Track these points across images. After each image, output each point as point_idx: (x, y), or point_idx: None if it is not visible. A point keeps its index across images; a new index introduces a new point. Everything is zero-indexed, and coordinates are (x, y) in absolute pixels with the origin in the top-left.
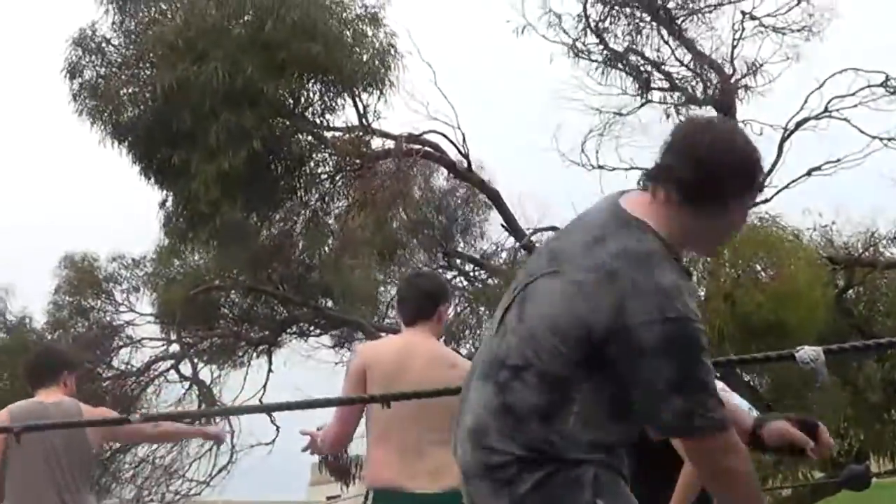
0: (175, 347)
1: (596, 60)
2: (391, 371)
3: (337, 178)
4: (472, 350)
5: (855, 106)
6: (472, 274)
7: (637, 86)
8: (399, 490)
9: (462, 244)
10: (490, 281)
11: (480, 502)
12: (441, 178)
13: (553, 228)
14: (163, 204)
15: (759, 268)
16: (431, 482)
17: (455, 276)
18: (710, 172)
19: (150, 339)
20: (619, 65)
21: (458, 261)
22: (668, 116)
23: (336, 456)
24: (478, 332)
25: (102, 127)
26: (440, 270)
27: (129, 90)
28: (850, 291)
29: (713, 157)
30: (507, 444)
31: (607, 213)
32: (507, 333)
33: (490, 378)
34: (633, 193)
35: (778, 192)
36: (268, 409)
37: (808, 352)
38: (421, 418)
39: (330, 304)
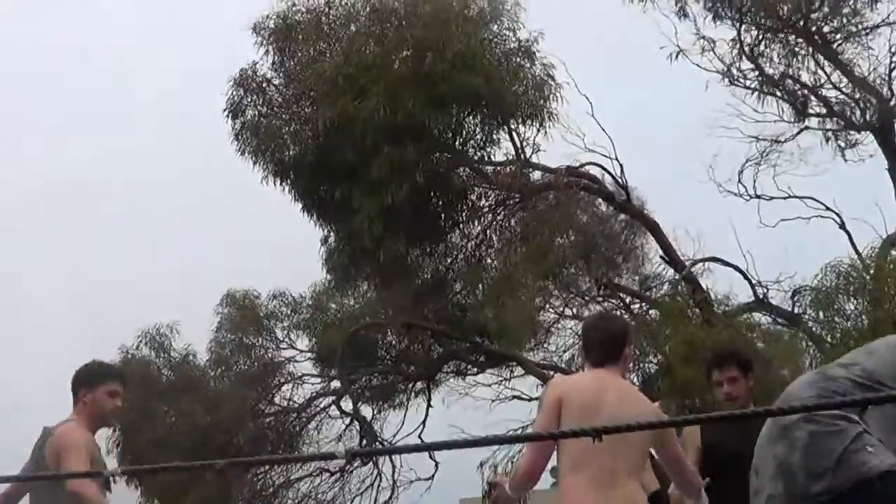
0: (335, 384)
1: (751, 87)
2: (589, 403)
3: (498, 211)
4: (635, 378)
5: None
6: (631, 306)
7: (794, 112)
8: None
9: (619, 276)
10: (651, 312)
11: None
12: (600, 210)
13: (713, 259)
14: (325, 240)
15: None
16: None
17: (616, 308)
18: None
19: (311, 375)
20: (775, 90)
21: (618, 292)
22: (826, 141)
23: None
24: (640, 364)
25: (265, 165)
26: (600, 299)
27: (291, 128)
28: None
29: None
30: None
31: None
32: None
33: None
34: None
35: None
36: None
37: None
38: (615, 449)
39: (487, 341)
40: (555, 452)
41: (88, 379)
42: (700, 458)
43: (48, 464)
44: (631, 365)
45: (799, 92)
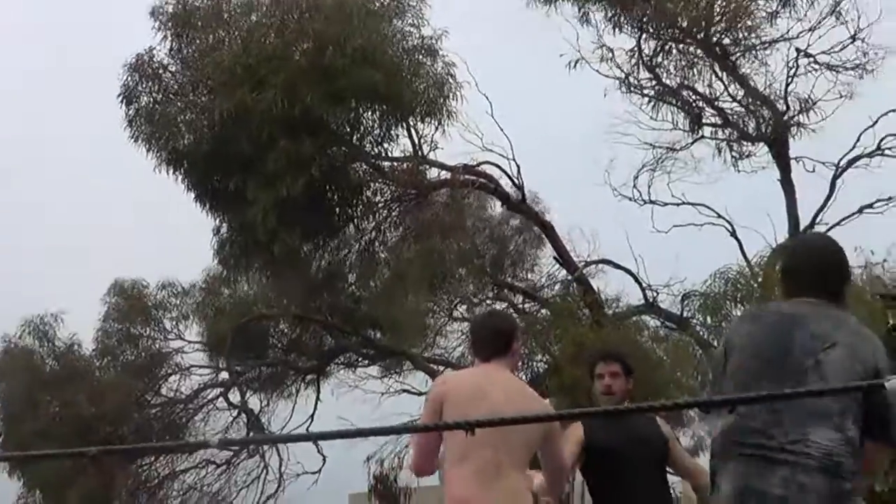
0: (224, 375)
1: (648, 95)
2: (471, 397)
3: (393, 207)
4: (523, 376)
5: None
6: (521, 306)
7: (689, 121)
8: None
9: (512, 276)
10: (542, 312)
11: None
12: (495, 210)
13: (605, 262)
14: (217, 231)
15: None
16: (507, 502)
17: (505, 307)
18: None
19: (199, 366)
20: (672, 100)
21: (506, 291)
22: (719, 152)
23: (385, 484)
24: (529, 363)
25: (158, 153)
26: (489, 301)
27: (186, 116)
28: None
29: None
30: None
31: None
32: None
33: None
34: None
35: (829, 230)
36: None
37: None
38: (499, 442)
39: (378, 335)
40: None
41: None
42: (579, 452)
43: None
44: (520, 363)
45: (695, 102)
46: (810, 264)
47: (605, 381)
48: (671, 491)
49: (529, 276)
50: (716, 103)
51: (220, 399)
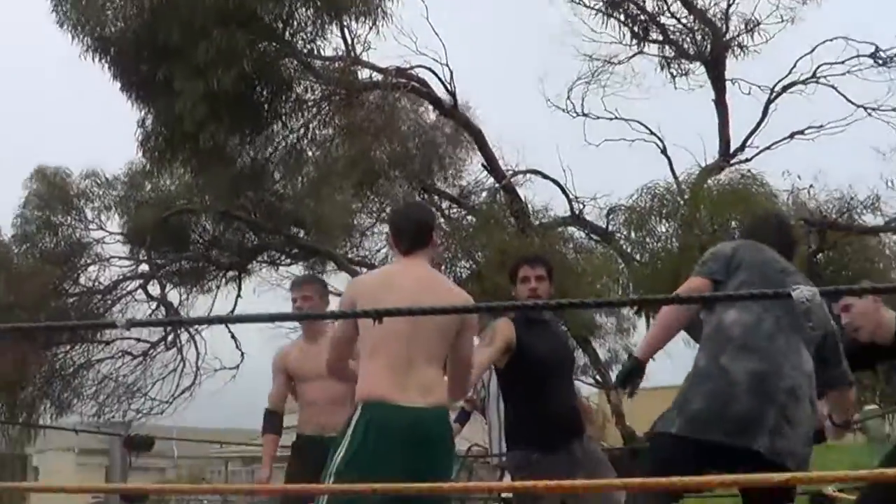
0: (144, 268)
1: (593, 7)
2: (381, 287)
3: (322, 105)
4: None
5: (843, 74)
6: (448, 211)
7: (632, 36)
8: (389, 403)
9: (442, 181)
10: (467, 218)
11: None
12: (428, 115)
13: (533, 171)
14: (142, 122)
15: (733, 224)
16: (421, 396)
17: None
18: None
19: (119, 258)
20: (617, 13)
21: (436, 197)
22: (661, 69)
23: None
24: (452, 268)
25: (84, 39)
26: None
27: (115, 2)
28: (821, 255)
29: None
30: None
31: None
32: None
33: None
34: None
35: (759, 153)
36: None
37: (804, 291)
38: (412, 335)
39: (303, 234)
40: None
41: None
42: (506, 350)
43: None
44: (443, 267)
45: (639, 17)
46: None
47: (530, 284)
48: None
49: (458, 182)
50: (659, 19)
51: (140, 291)
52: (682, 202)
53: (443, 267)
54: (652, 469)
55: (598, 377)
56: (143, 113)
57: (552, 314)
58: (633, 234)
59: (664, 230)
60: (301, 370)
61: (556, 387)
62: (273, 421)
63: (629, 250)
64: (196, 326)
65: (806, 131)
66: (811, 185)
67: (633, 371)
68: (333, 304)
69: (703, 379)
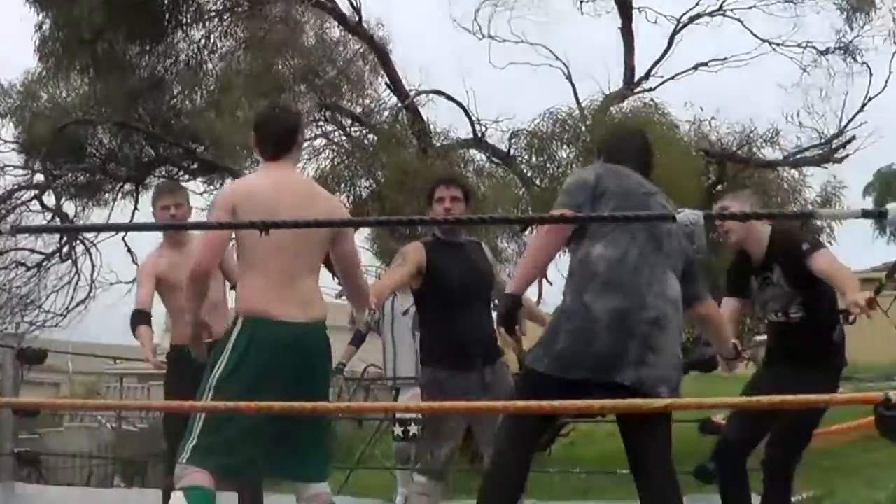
0: (39, 178)
1: None
2: (266, 204)
3: (225, 17)
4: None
5: (750, 8)
6: (350, 129)
7: None
8: (270, 317)
9: (345, 99)
10: (369, 137)
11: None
12: (332, 31)
13: (436, 92)
14: (39, 27)
15: None
16: (302, 311)
17: (334, 130)
18: None
19: (14, 167)
20: None
21: (339, 115)
22: None
23: None
24: (353, 187)
25: None
26: (321, 123)
27: None
28: (720, 186)
29: None
30: None
31: None
32: None
33: None
34: None
35: (663, 83)
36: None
37: (688, 214)
38: (295, 249)
39: (202, 148)
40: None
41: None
42: (416, 273)
43: None
44: (343, 185)
45: None
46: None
47: (445, 204)
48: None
49: (361, 101)
50: None
51: (35, 202)
52: (584, 128)
53: (342, 185)
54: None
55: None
56: (40, 17)
57: (470, 237)
58: (534, 159)
59: (565, 156)
60: (170, 278)
61: (469, 310)
62: (142, 318)
63: (530, 175)
64: (92, 239)
65: (710, 63)
66: (713, 118)
67: (511, 309)
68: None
69: (569, 316)
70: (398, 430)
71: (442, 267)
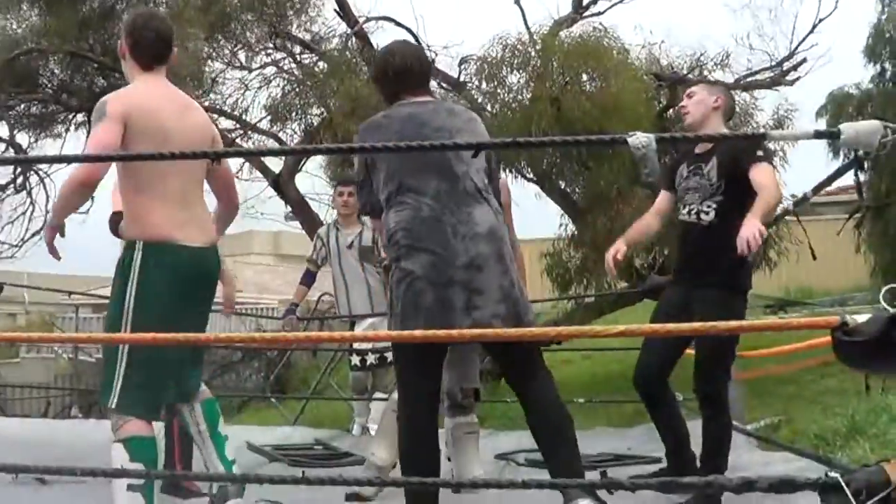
0: None
1: None
2: (150, 107)
3: None
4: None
5: None
6: (300, 57)
7: None
8: (172, 241)
9: (294, 27)
10: (319, 65)
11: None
12: None
13: (385, 18)
14: None
15: (585, 77)
16: (199, 234)
17: (284, 58)
18: None
19: None
20: None
21: (288, 42)
22: None
23: None
24: (304, 115)
25: None
26: (271, 50)
27: None
28: (671, 111)
29: None
30: None
31: None
32: None
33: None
34: None
35: (612, 6)
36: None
37: (640, 138)
38: (185, 170)
39: None
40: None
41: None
42: None
43: None
44: (294, 114)
45: None
46: (420, 64)
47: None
48: None
49: (311, 27)
50: None
51: None
52: (533, 53)
53: (293, 113)
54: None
55: None
56: None
57: None
58: (484, 85)
59: (516, 81)
60: None
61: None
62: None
63: (480, 101)
64: (46, 169)
65: None
66: (663, 41)
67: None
68: None
69: (397, 282)
70: (355, 359)
71: None
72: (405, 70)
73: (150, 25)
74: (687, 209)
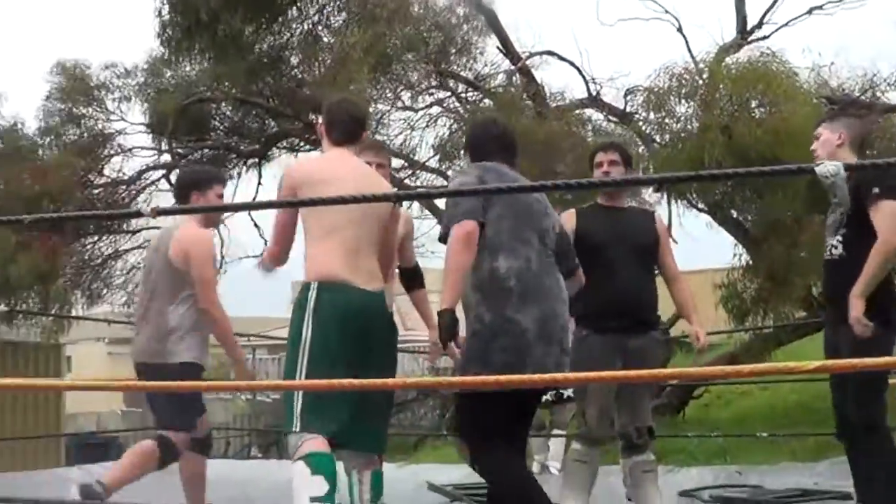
0: (166, 157)
1: None
2: (324, 178)
3: None
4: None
5: None
6: (464, 95)
7: None
8: (344, 283)
9: (456, 65)
10: (484, 102)
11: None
12: None
13: (549, 53)
14: (159, 13)
15: (753, 104)
16: (368, 281)
17: (448, 97)
18: None
19: (142, 148)
20: None
21: (452, 81)
22: None
23: None
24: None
25: None
26: (433, 90)
27: None
28: None
29: None
30: None
31: None
32: None
33: None
34: None
35: (777, 30)
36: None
37: (828, 166)
38: (361, 222)
39: (321, 120)
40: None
41: (199, 183)
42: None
43: (175, 263)
44: (461, 152)
45: None
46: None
47: (603, 168)
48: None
49: (474, 65)
50: None
51: (163, 180)
52: (700, 82)
53: (461, 152)
54: (482, 409)
55: None
56: (159, 3)
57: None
58: (651, 115)
59: (683, 111)
60: None
61: (617, 274)
62: None
63: (648, 132)
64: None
65: (825, 6)
66: (832, 63)
67: (451, 325)
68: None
69: (495, 332)
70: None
71: (589, 231)
72: (508, 144)
73: (343, 107)
74: (826, 248)
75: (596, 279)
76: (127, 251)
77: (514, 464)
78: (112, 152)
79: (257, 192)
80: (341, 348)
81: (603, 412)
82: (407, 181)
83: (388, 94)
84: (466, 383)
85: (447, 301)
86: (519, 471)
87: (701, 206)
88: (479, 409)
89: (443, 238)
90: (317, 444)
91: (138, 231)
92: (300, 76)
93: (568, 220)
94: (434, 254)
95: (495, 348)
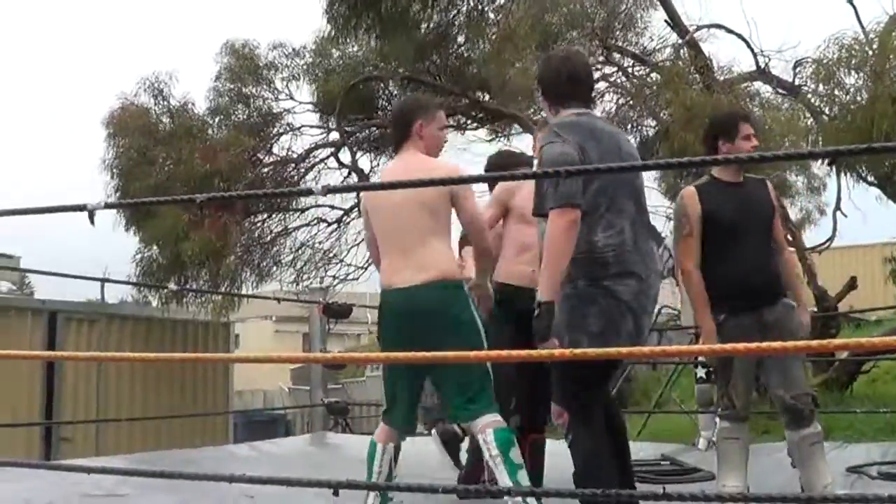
0: (334, 136)
1: None
2: (380, 196)
3: None
4: (633, 140)
5: None
6: (631, 70)
7: None
8: (389, 287)
9: (622, 40)
10: (651, 76)
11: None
12: None
13: (716, 26)
14: None
15: None
16: (415, 275)
17: (615, 72)
18: None
19: (310, 126)
20: None
21: (618, 56)
22: None
23: None
24: (638, 127)
25: None
26: (598, 66)
27: None
28: None
29: None
30: None
31: None
32: None
33: None
34: None
35: None
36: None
37: None
38: (403, 227)
39: (487, 97)
40: None
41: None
42: (700, 227)
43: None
44: (629, 127)
45: None
46: (589, 76)
47: (752, 142)
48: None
49: (640, 40)
50: None
51: (331, 159)
52: (870, 52)
53: (629, 126)
54: (579, 372)
55: (789, 237)
56: None
57: (754, 175)
58: (820, 88)
59: (853, 82)
60: (525, 211)
61: (745, 249)
62: None
63: (817, 104)
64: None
65: None
66: None
67: (550, 317)
68: None
69: (591, 299)
70: (701, 371)
71: (714, 208)
72: (580, 79)
73: (392, 112)
74: None
75: (728, 258)
76: (296, 228)
77: (605, 441)
78: (280, 131)
79: None
80: (391, 346)
81: (748, 389)
82: None
83: None
84: (600, 355)
85: (546, 292)
86: (608, 449)
87: (871, 179)
88: (582, 377)
89: (536, 211)
90: (377, 433)
91: (307, 209)
92: (466, 54)
93: (691, 202)
94: None
95: (591, 313)
